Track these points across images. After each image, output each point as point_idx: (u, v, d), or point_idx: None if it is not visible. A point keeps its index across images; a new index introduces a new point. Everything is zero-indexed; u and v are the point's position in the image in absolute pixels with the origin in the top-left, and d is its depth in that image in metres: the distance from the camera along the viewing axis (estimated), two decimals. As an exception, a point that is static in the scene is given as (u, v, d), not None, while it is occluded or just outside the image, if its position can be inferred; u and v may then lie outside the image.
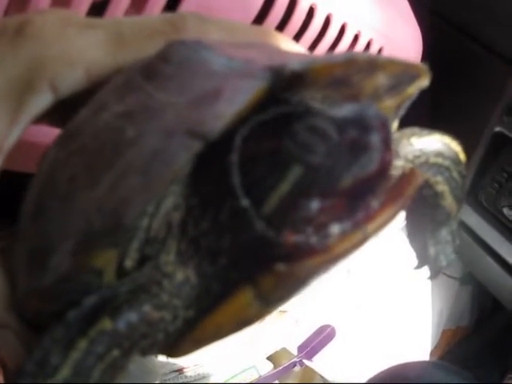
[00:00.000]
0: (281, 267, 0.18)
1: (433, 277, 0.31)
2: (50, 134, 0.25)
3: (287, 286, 0.18)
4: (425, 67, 0.22)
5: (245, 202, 0.18)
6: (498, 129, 0.64)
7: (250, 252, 0.19)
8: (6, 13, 0.35)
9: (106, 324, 0.18)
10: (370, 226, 0.18)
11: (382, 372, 0.47)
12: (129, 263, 0.19)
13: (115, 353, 0.18)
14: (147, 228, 0.19)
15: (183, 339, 0.20)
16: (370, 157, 0.17)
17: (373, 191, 0.18)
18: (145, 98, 0.20)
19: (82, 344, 0.18)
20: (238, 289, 0.19)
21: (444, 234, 0.29)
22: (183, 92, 0.20)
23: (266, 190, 0.18)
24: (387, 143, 0.18)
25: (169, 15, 0.24)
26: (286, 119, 0.18)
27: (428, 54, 0.56)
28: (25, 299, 0.20)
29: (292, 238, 0.18)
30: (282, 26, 0.47)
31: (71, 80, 0.22)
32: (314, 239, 0.18)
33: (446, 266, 0.30)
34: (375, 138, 0.17)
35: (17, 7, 0.35)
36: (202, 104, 0.19)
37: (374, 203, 0.18)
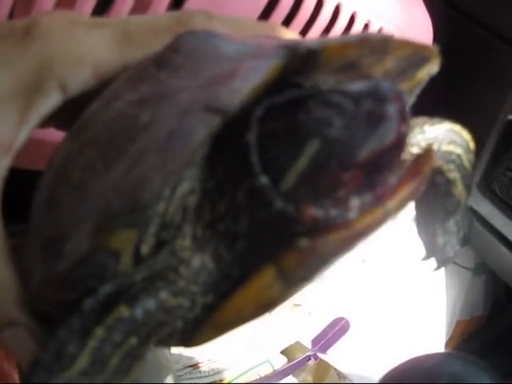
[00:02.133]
0: (303, 243, 0.18)
1: (439, 267, 0.31)
2: (58, 132, 0.25)
3: (310, 264, 0.18)
4: (435, 49, 0.23)
5: (263, 179, 0.18)
6: (510, 117, 0.63)
7: (270, 231, 0.18)
8: (11, 14, 0.35)
9: (123, 311, 0.18)
10: (391, 203, 0.18)
11: (399, 365, 0.46)
12: (145, 249, 0.19)
13: (133, 341, 0.18)
14: (163, 213, 0.19)
15: (203, 326, 0.20)
16: (387, 127, 0.17)
17: (391, 164, 0.18)
18: (158, 86, 0.20)
19: (99, 332, 0.18)
20: (259, 269, 0.19)
21: (451, 224, 0.29)
22: (196, 77, 0.20)
23: (284, 167, 0.18)
24: (403, 115, 0.18)
25: (176, 13, 0.24)
26: (300, 100, 0.18)
27: (440, 44, 0.55)
28: (40, 290, 0.20)
29: (311, 211, 0.18)
30: (291, 17, 0.46)
31: (79, 79, 0.22)
32: (333, 212, 0.18)
33: (452, 256, 0.30)
34: (391, 109, 0.17)
35: (21, 9, 0.35)
36: (216, 83, 0.19)
37: (393, 179, 0.18)
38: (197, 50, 0.21)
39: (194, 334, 0.20)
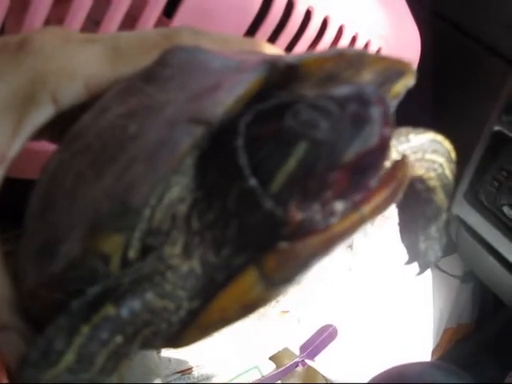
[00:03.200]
0: (283, 245, 0.18)
1: (421, 272, 0.32)
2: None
3: (290, 266, 0.19)
4: (410, 64, 0.23)
5: (253, 182, 0.18)
6: (497, 128, 0.64)
7: (256, 234, 0.19)
8: (3, 29, 0.35)
9: (110, 310, 0.19)
10: (366, 208, 0.19)
11: (382, 373, 0.47)
12: (132, 253, 0.19)
13: (118, 339, 0.19)
14: (149, 218, 0.19)
15: (188, 327, 0.20)
16: (371, 130, 0.18)
17: (375, 167, 0.19)
18: (146, 99, 0.21)
19: (86, 329, 0.18)
20: (242, 271, 0.19)
21: (433, 230, 0.30)
22: (183, 90, 0.20)
23: (273, 169, 0.18)
24: (386, 118, 0.18)
25: (163, 29, 0.25)
26: (285, 106, 0.19)
27: (428, 54, 0.57)
28: (33, 292, 0.21)
29: (299, 215, 0.18)
30: (279, 30, 0.47)
31: (72, 92, 0.23)
32: (319, 217, 0.18)
33: (433, 262, 0.31)
34: (375, 112, 0.18)
35: (13, 24, 0.35)
36: (201, 97, 0.20)
37: (373, 184, 0.19)
38: (184, 64, 0.22)
39: (179, 335, 0.21)
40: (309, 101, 0.18)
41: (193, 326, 0.20)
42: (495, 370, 0.83)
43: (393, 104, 0.25)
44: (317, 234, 0.18)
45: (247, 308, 0.20)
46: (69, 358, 0.18)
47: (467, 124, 0.68)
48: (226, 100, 0.19)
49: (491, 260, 0.70)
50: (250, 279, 0.19)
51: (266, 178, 0.18)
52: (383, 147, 0.18)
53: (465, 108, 0.69)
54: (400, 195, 0.20)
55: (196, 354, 0.73)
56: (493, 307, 0.91)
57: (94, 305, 0.19)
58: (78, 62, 0.23)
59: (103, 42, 0.24)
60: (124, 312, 0.19)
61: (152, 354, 0.70)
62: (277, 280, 0.19)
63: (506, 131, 0.64)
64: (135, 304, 0.19)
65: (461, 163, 0.29)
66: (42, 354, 0.18)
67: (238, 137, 0.19)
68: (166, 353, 0.72)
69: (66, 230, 0.20)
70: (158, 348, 0.21)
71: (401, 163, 0.21)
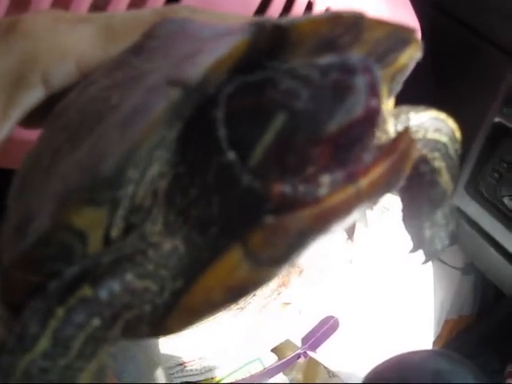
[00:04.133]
0: (269, 220, 0.17)
1: (427, 261, 0.30)
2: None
3: (278, 243, 0.18)
4: (414, 30, 0.22)
5: (230, 156, 0.17)
6: (497, 119, 0.64)
7: (240, 212, 0.18)
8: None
9: (86, 291, 0.18)
10: (364, 180, 0.18)
11: (385, 361, 0.47)
12: (114, 232, 0.19)
13: (95, 322, 0.18)
14: (132, 196, 0.18)
15: (173, 311, 0.19)
16: (355, 100, 0.17)
17: (362, 141, 0.18)
18: (131, 71, 0.20)
19: (60, 312, 0.18)
20: (226, 249, 0.18)
21: (439, 216, 0.29)
22: (167, 58, 0.20)
23: (251, 142, 0.17)
24: (373, 88, 0.17)
25: (161, 8, 0.25)
26: (270, 80, 0.18)
27: (428, 46, 0.57)
28: (8, 273, 0.20)
29: (279, 188, 0.17)
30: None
31: (63, 73, 0.23)
32: (301, 189, 0.17)
33: (440, 250, 0.30)
34: (359, 80, 0.17)
35: (17, 11, 0.35)
36: (183, 61, 0.18)
37: (367, 157, 0.18)
38: (172, 34, 0.21)
39: (164, 321, 0.20)
40: (291, 70, 0.17)
41: (177, 309, 0.19)
42: (496, 361, 0.84)
43: (399, 79, 0.24)
44: (306, 207, 0.17)
45: (234, 290, 0.19)
46: (44, 342, 0.17)
47: (467, 115, 0.68)
48: (205, 61, 0.18)
49: (492, 251, 0.70)
50: (234, 257, 0.18)
51: (244, 152, 0.17)
52: (370, 119, 0.17)
53: (465, 100, 0.69)
54: (405, 170, 0.19)
55: (198, 346, 0.73)
56: (494, 299, 0.91)
57: (71, 286, 0.18)
58: (70, 42, 0.22)
59: (96, 22, 0.23)
60: (102, 293, 0.18)
61: (155, 346, 0.70)
62: (264, 258, 0.18)
63: (506, 123, 0.64)
64: (114, 285, 0.18)
65: (461, 155, 0.27)
66: (18, 338, 0.18)
67: (217, 108, 0.18)
68: (169, 345, 0.72)
69: (38, 206, 0.19)
70: (144, 336, 0.20)
71: (403, 135, 0.19)
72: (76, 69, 0.23)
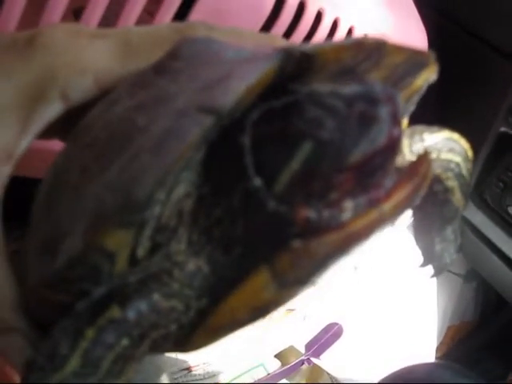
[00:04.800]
0: (296, 244, 0.18)
1: (436, 274, 0.31)
2: (59, 141, 0.26)
3: (304, 266, 0.18)
4: (432, 55, 0.22)
5: (257, 182, 0.18)
6: (502, 129, 0.64)
7: (265, 234, 0.18)
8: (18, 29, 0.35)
9: (115, 312, 0.18)
10: (386, 205, 0.18)
11: (390, 374, 0.47)
12: (141, 252, 0.19)
13: (125, 342, 0.18)
14: (159, 216, 0.19)
15: (198, 330, 0.20)
16: (379, 130, 0.17)
17: (384, 167, 0.18)
18: (156, 91, 0.20)
19: (91, 333, 0.18)
20: (253, 271, 0.18)
21: (449, 232, 0.29)
22: (194, 81, 0.20)
23: (277, 168, 0.18)
24: (395, 117, 0.17)
25: (177, 24, 0.25)
26: (295, 105, 0.18)
27: (434, 54, 0.57)
28: (35, 291, 0.20)
29: (304, 212, 0.18)
30: (290, 31, 0.47)
31: (81, 88, 0.23)
32: (326, 214, 0.18)
33: (449, 263, 0.30)
34: (383, 111, 0.17)
35: (29, 22, 0.35)
36: (213, 86, 0.19)
37: (388, 182, 0.18)
38: (196, 55, 0.21)
39: (189, 339, 0.20)
40: (316, 99, 0.18)
41: (202, 328, 0.20)
42: (498, 367, 0.84)
43: (413, 100, 0.24)
44: (331, 231, 0.18)
45: (258, 310, 0.19)
46: (74, 362, 0.18)
47: (473, 124, 0.68)
48: (236, 88, 0.18)
49: (495, 259, 0.70)
50: (261, 279, 0.18)
51: (270, 178, 0.18)
52: (392, 147, 0.18)
53: (470, 108, 0.69)
54: (423, 192, 0.20)
55: (202, 352, 0.73)
56: (496, 305, 0.92)
57: (100, 306, 0.18)
58: (88, 57, 0.23)
59: (114, 37, 0.23)
60: (130, 314, 0.18)
61: (162, 353, 0.70)
62: (290, 280, 0.18)
63: (511, 132, 0.64)
64: (142, 305, 0.18)
65: (472, 162, 0.28)
66: (48, 357, 0.18)
67: (244, 134, 0.18)
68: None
69: (68, 226, 0.19)
70: (168, 352, 0.21)
71: (423, 159, 0.20)
72: (94, 84, 0.23)
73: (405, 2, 0.56)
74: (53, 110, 0.23)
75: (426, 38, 0.58)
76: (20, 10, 0.34)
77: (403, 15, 0.56)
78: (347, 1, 0.49)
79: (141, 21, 0.39)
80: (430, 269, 0.31)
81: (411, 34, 0.57)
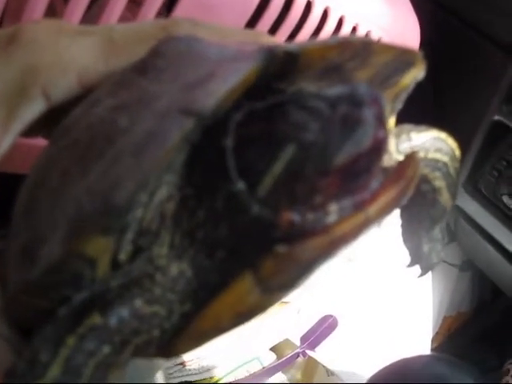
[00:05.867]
0: (280, 248, 0.17)
1: (423, 274, 0.31)
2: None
3: (288, 270, 0.18)
4: (420, 54, 0.22)
5: (240, 185, 0.18)
6: (497, 117, 0.64)
7: (248, 237, 0.18)
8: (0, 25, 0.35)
9: (96, 319, 0.18)
10: (372, 207, 0.18)
11: (385, 367, 0.47)
12: (123, 256, 0.19)
13: (106, 349, 0.18)
14: (141, 219, 0.18)
15: (181, 335, 0.19)
16: (363, 132, 0.17)
17: (370, 169, 0.18)
18: (138, 91, 0.20)
19: (71, 341, 0.18)
20: (237, 276, 0.18)
21: (437, 231, 0.29)
22: (176, 80, 0.19)
23: (260, 171, 0.17)
24: (380, 119, 0.17)
25: (161, 20, 0.24)
26: (280, 106, 0.18)
27: (427, 43, 0.56)
28: (16, 298, 0.20)
29: (288, 216, 0.17)
30: (279, 21, 0.46)
31: (64, 86, 0.22)
32: (310, 217, 0.17)
33: (436, 263, 0.30)
34: (367, 113, 0.17)
35: (11, 18, 0.35)
36: (195, 87, 0.18)
37: (374, 184, 0.18)
38: (179, 54, 0.21)
39: (172, 344, 0.20)
40: (300, 101, 0.18)
41: (185, 333, 0.19)
42: (494, 357, 0.84)
43: (401, 98, 0.24)
44: (316, 235, 0.17)
45: (242, 316, 0.19)
46: (55, 369, 0.17)
47: (467, 113, 0.68)
48: (218, 90, 0.18)
49: (490, 249, 0.70)
50: (245, 284, 0.18)
51: (253, 181, 0.18)
52: (377, 150, 0.17)
53: (464, 97, 0.69)
54: (409, 194, 0.19)
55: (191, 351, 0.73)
56: (491, 295, 0.92)
57: (81, 313, 0.18)
58: (71, 55, 0.22)
59: (97, 34, 0.23)
60: (112, 321, 0.18)
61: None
62: (274, 286, 0.18)
63: (505, 121, 0.64)
64: (123, 312, 0.18)
65: (460, 153, 0.28)
66: (29, 365, 0.18)
67: (227, 136, 0.18)
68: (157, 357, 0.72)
69: (47, 231, 0.18)
70: (151, 357, 0.20)
71: (410, 160, 0.20)
72: (77, 82, 0.22)
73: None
74: (35, 108, 0.22)
75: (418, 27, 0.57)
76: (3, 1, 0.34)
77: (395, 4, 0.56)
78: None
79: (123, 18, 0.38)
80: (417, 268, 0.31)
81: (403, 22, 0.56)
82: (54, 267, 0.18)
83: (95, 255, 0.18)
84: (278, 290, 0.18)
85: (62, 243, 0.18)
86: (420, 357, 0.48)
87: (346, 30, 0.50)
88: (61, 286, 0.18)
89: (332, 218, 0.18)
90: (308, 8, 0.47)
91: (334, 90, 0.18)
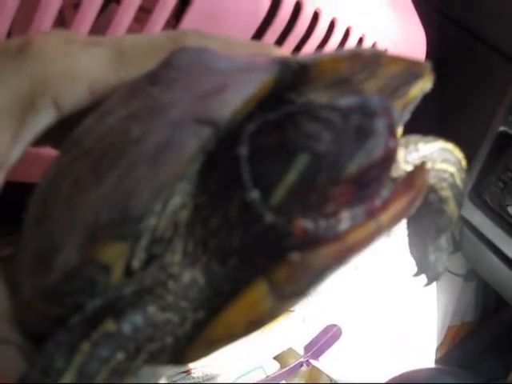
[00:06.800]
0: (294, 256, 0.18)
1: (429, 283, 0.32)
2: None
3: (302, 278, 0.18)
4: (428, 65, 0.22)
5: (254, 194, 0.18)
6: (502, 128, 0.64)
7: (262, 246, 0.18)
8: (9, 35, 0.35)
9: (110, 326, 0.18)
10: (383, 216, 0.18)
11: (391, 379, 0.47)
12: (136, 263, 0.19)
13: (120, 356, 0.18)
14: (155, 227, 0.19)
15: (194, 342, 0.19)
16: (375, 142, 0.17)
17: (381, 179, 0.18)
18: (150, 101, 0.20)
19: (86, 347, 0.18)
20: (250, 283, 0.18)
21: (443, 241, 0.30)
22: (188, 91, 0.20)
23: (274, 181, 0.18)
24: (391, 130, 0.18)
25: (170, 32, 0.25)
26: (291, 117, 0.18)
27: (433, 54, 0.56)
28: (29, 305, 0.20)
29: (301, 224, 0.18)
30: (286, 32, 0.47)
31: (74, 97, 0.22)
32: (323, 225, 0.18)
33: (442, 272, 0.31)
34: (379, 124, 0.17)
35: (19, 28, 0.35)
36: (208, 97, 0.19)
37: (385, 192, 0.19)
38: (190, 65, 0.21)
39: (185, 351, 0.20)
40: (313, 112, 0.18)
41: (198, 340, 0.19)
42: (498, 367, 0.84)
43: (408, 109, 0.24)
44: (329, 243, 0.18)
45: (255, 322, 0.19)
46: (69, 376, 0.18)
47: (472, 124, 0.68)
48: (234, 100, 0.18)
49: (495, 260, 0.70)
50: (259, 292, 0.18)
51: (267, 190, 0.18)
52: (388, 159, 0.18)
53: (470, 108, 0.69)
54: (418, 203, 0.20)
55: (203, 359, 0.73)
56: (496, 304, 0.92)
57: (94, 320, 0.18)
58: (81, 66, 0.22)
59: (107, 45, 0.23)
60: (125, 328, 0.18)
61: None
62: (287, 293, 0.18)
63: (511, 132, 0.64)
64: (137, 319, 0.18)
65: (466, 163, 0.28)
66: (42, 372, 0.18)
67: (241, 146, 0.18)
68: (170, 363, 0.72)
69: (61, 238, 0.19)
70: (164, 364, 0.20)
71: (419, 170, 0.20)
72: (87, 92, 0.23)
73: (403, 2, 0.56)
74: (45, 118, 0.22)
75: (424, 38, 0.58)
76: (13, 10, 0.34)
77: (401, 15, 0.56)
78: (353, 6, 0.49)
79: (131, 28, 0.38)
80: (423, 278, 0.31)
81: (409, 33, 0.56)
82: (71, 274, 0.18)
83: (110, 262, 0.18)
84: (290, 298, 0.19)
85: (78, 250, 0.18)
86: (426, 369, 0.48)
87: (352, 41, 0.50)
88: (75, 292, 0.19)
89: (344, 225, 0.18)
90: (315, 19, 0.47)
91: (346, 101, 0.18)
